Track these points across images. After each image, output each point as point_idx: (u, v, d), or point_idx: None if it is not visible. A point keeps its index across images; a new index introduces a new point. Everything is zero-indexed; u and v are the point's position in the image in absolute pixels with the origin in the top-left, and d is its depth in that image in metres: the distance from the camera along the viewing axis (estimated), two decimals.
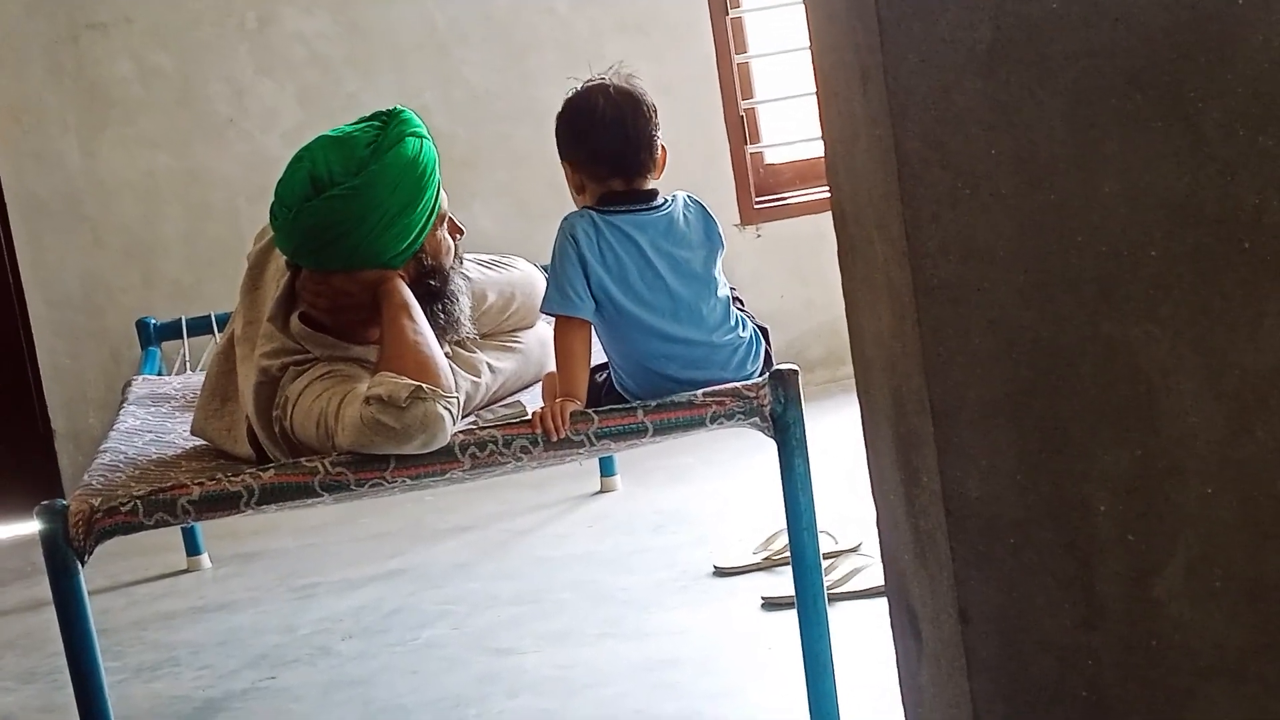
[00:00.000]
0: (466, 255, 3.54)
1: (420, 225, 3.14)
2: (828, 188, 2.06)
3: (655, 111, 3.13)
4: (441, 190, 3.21)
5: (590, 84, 3.15)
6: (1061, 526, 1.80)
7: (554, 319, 3.09)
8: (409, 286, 3.14)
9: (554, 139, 3.17)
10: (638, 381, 3.10)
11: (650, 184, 3.13)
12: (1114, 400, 1.79)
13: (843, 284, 2.05)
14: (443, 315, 3.21)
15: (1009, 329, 1.79)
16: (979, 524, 1.81)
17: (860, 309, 2.00)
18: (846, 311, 2.05)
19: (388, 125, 3.14)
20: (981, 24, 1.74)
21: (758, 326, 3.19)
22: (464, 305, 3.28)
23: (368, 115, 3.21)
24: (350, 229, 3.07)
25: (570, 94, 3.17)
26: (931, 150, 1.77)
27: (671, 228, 3.10)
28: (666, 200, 3.13)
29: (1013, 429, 1.80)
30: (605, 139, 3.09)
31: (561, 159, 3.16)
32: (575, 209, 3.14)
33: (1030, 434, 1.80)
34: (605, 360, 3.20)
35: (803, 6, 2.01)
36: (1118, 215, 1.76)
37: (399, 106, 3.21)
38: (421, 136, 3.16)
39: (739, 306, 3.20)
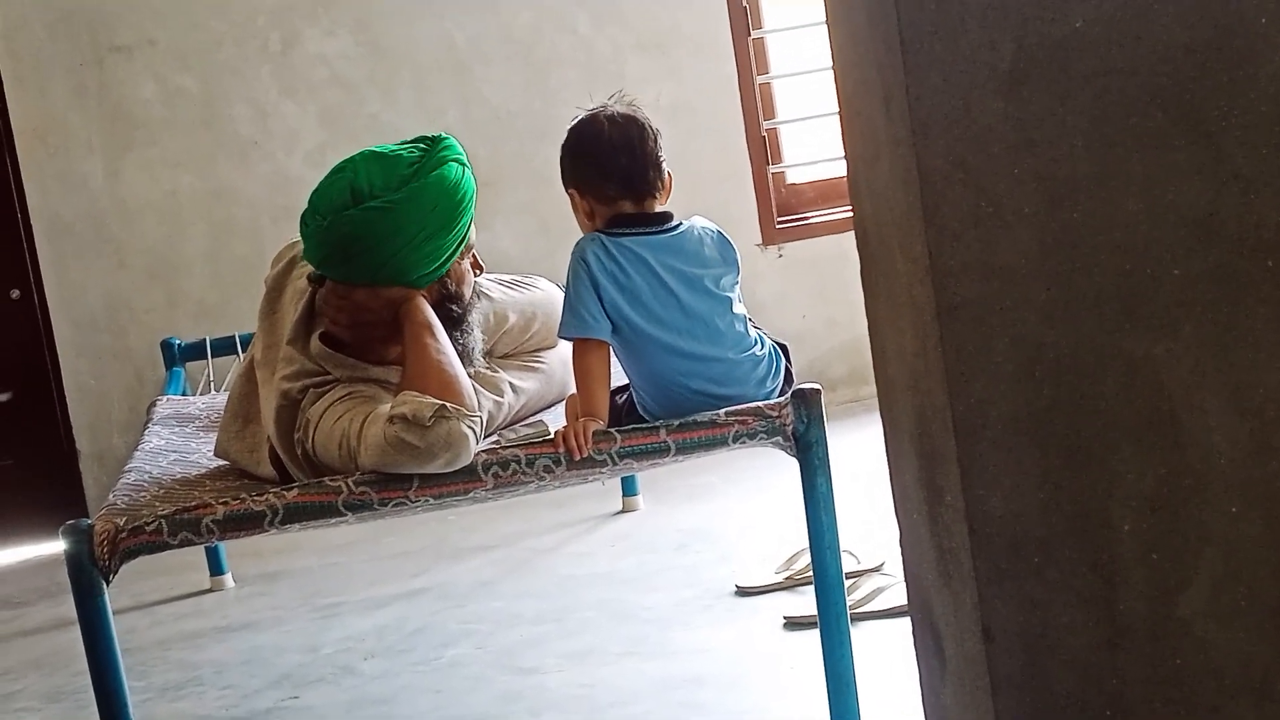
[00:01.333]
0: (486, 275, 3.55)
1: (450, 250, 3.17)
2: (850, 207, 2.06)
3: (659, 135, 3.15)
4: (473, 224, 3.24)
5: (591, 113, 3.16)
6: (1085, 544, 1.80)
7: (572, 343, 3.10)
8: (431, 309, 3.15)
9: (561, 168, 3.18)
10: (658, 401, 3.11)
11: (659, 207, 3.14)
12: (1137, 418, 1.78)
13: (865, 303, 2.05)
14: (459, 344, 3.22)
15: (1032, 347, 1.79)
16: (1002, 542, 1.81)
17: (883, 327, 2.00)
18: (869, 330, 2.05)
19: (432, 149, 3.17)
20: (1004, 43, 1.75)
21: (776, 343, 3.19)
22: (478, 338, 3.30)
23: (411, 138, 3.24)
24: (383, 243, 3.09)
25: (573, 122, 3.18)
26: (954, 169, 1.77)
27: (683, 247, 3.10)
28: (680, 223, 3.13)
29: (1036, 447, 1.80)
30: (612, 158, 3.10)
31: (567, 186, 3.16)
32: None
33: (1053, 452, 1.80)
34: (625, 382, 3.21)
35: (825, 27, 2.02)
36: (1140, 233, 1.76)
37: (443, 134, 3.24)
38: (464, 164, 3.20)
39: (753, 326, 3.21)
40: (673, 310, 3.08)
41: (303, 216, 3.18)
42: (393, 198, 3.09)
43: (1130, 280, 1.77)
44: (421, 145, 3.19)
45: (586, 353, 3.06)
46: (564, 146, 3.18)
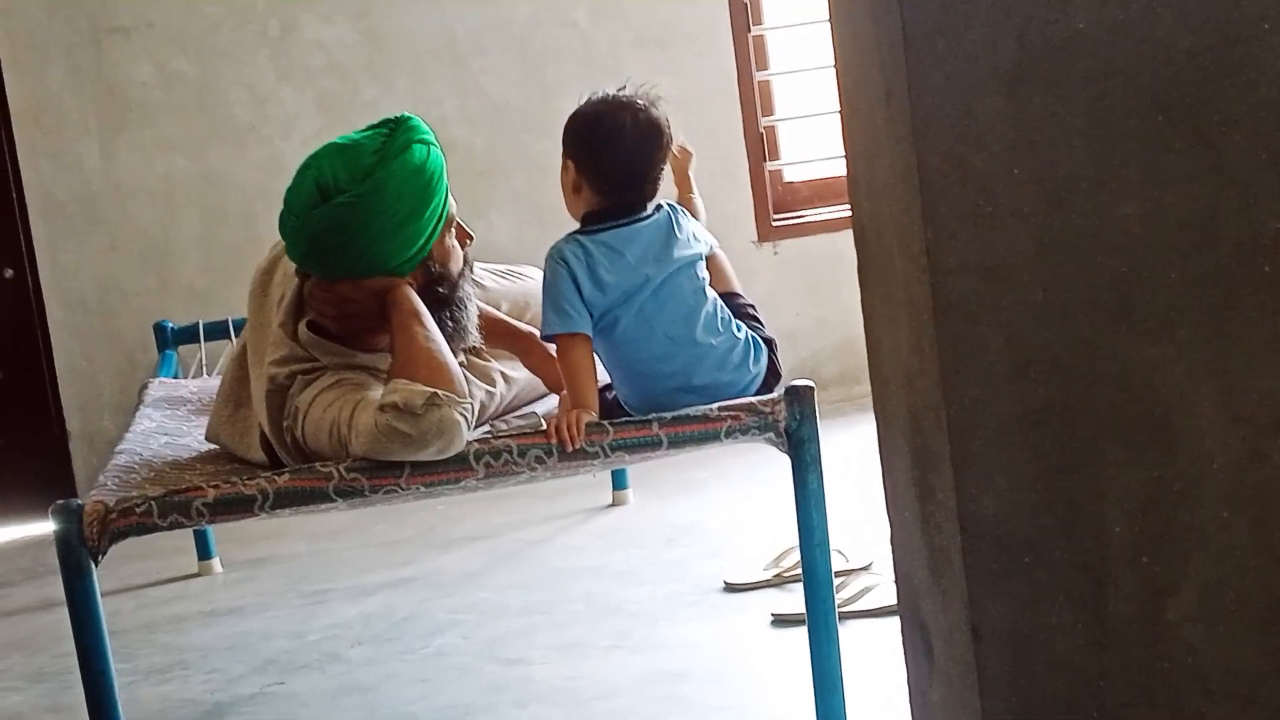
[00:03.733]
0: (480, 265, 3.54)
1: (427, 232, 3.14)
2: (848, 204, 2.06)
3: (672, 139, 3.15)
4: (450, 196, 3.21)
5: (618, 99, 3.14)
6: (1075, 546, 1.80)
7: (556, 341, 3.08)
8: (417, 294, 3.13)
9: (563, 137, 3.15)
10: (635, 392, 3.11)
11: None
12: (1130, 421, 1.79)
13: (862, 300, 2.05)
14: (450, 322, 3.20)
15: (1027, 348, 1.79)
16: (993, 542, 1.81)
17: (879, 325, 2.00)
18: (865, 328, 2.06)
19: (394, 132, 3.13)
20: (1005, 43, 1.75)
21: (764, 337, 3.19)
22: (472, 312, 3.27)
23: (376, 122, 3.20)
24: (356, 236, 3.07)
25: (595, 98, 3.16)
26: (953, 168, 1.77)
27: (655, 235, 3.10)
28: (650, 210, 3.13)
29: (1029, 448, 1.80)
30: (619, 162, 3.10)
31: (566, 156, 3.14)
32: (568, 209, 3.15)
33: (1046, 453, 1.80)
34: (608, 381, 3.21)
35: (826, 24, 2.02)
36: (1137, 236, 1.76)
37: (406, 113, 3.20)
38: (429, 143, 3.15)
39: (752, 317, 3.21)
40: (649, 300, 3.08)
41: (280, 216, 3.16)
42: (359, 190, 3.06)
43: (1126, 283, 1.77)
44: (384, 130, 3.14)
45: (571, 348, 3.05)
46: (579, 120, 3.14)
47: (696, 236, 3.17)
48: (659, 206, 3.14)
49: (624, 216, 3.10)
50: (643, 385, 3.11)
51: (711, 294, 3.15)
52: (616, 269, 3.06)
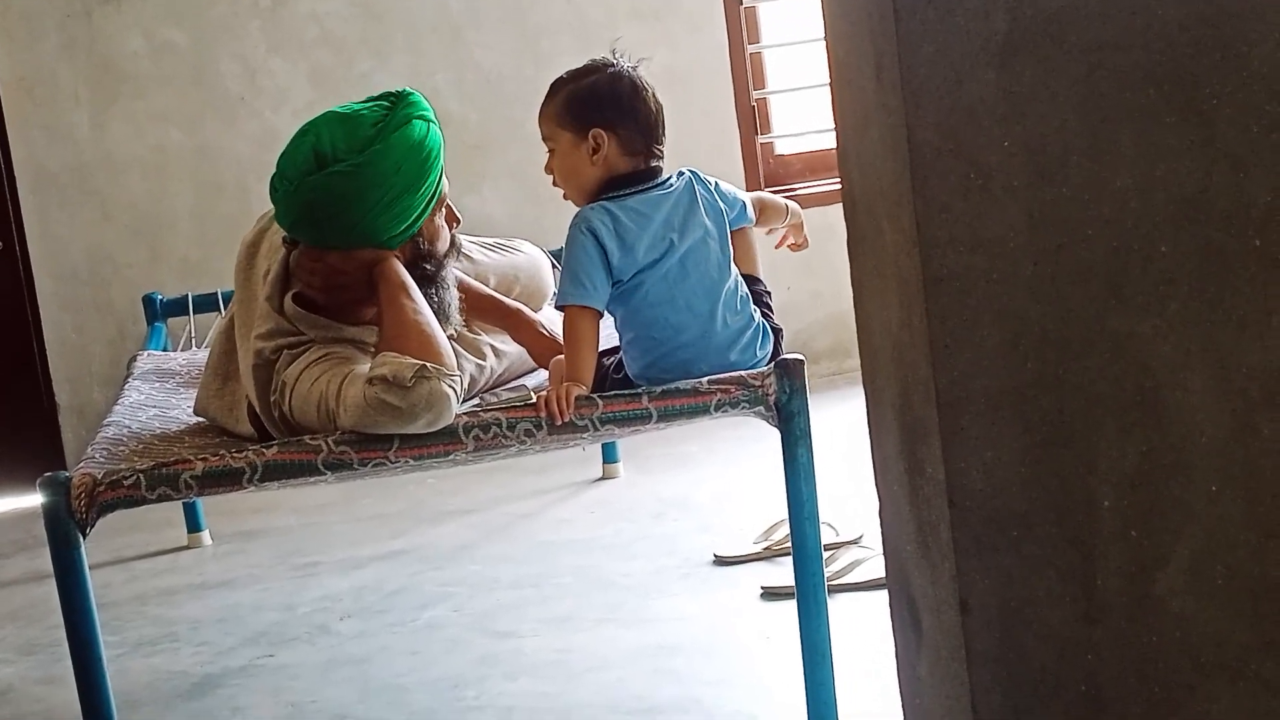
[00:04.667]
0: (469, 237, 3.53)
1: (420, 208, 3.13)
2: (838, 177, 2.05)
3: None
4: (444, 177, 3.20)
5: (613, 62, 3.14)
6: (1065, 520, 1.80)
7: (566, 311, 3.06)
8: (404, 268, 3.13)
9: (573, 109, 3.12)
10: (644, 357, 3.09)
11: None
12: (1120, 395, 1.78)
13: (851, 273, 2.04)
14: (435, 302, 3.19)
15: (1017, 321, 1.78)
16: (982, 515, 1.81)
17: (869, 298, 2.00)
18: (854, 301, 2.05)
19: (396, 106, 3.13)
20: (997, 14, 1.74)
21: (772, 326, 3.18)
22: (454, 295, 3.26)
23: (376, 95, 3.19)
24: (350, 206, 3.06)
25: (591, 66, 3.15)
26: (944, 140, 1.76)
27: (680, 202, 3.10)
28: (670, 178, 3.13)
29: (1018, 421, 1.80)
30: (649, 114, 3.12)
31: (591, 125, 3.09)
32: (576, 187, 3.14)
33: (1036, 427, 1.80)
34: (614, 345, 3.20)
35: None
36: (1129, 210, 1.75)
37: (408, 89, 3.20)
38: (429, 120, 3.14)
39: (766, 305, 3.21)
40: (674, 264, 3.07)
41: (271, 181, 3.14)
42: (356, 160, 3.05)
43: (1118, 256, 1.76)
44: (385, 103, 3.14)
45: (580, 320, 3.03)
46: (603, 88, 3.12)
47: (724, 197, 3.17)
48: (679, 173, 3.14)
49: (647, 181, 3.09)
50: (654, 352, 3.09)
51: (734, 270, 3.15)
52: (646, 233, 3.05)
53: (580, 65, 3.18)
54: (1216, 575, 1.78)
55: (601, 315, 3.05)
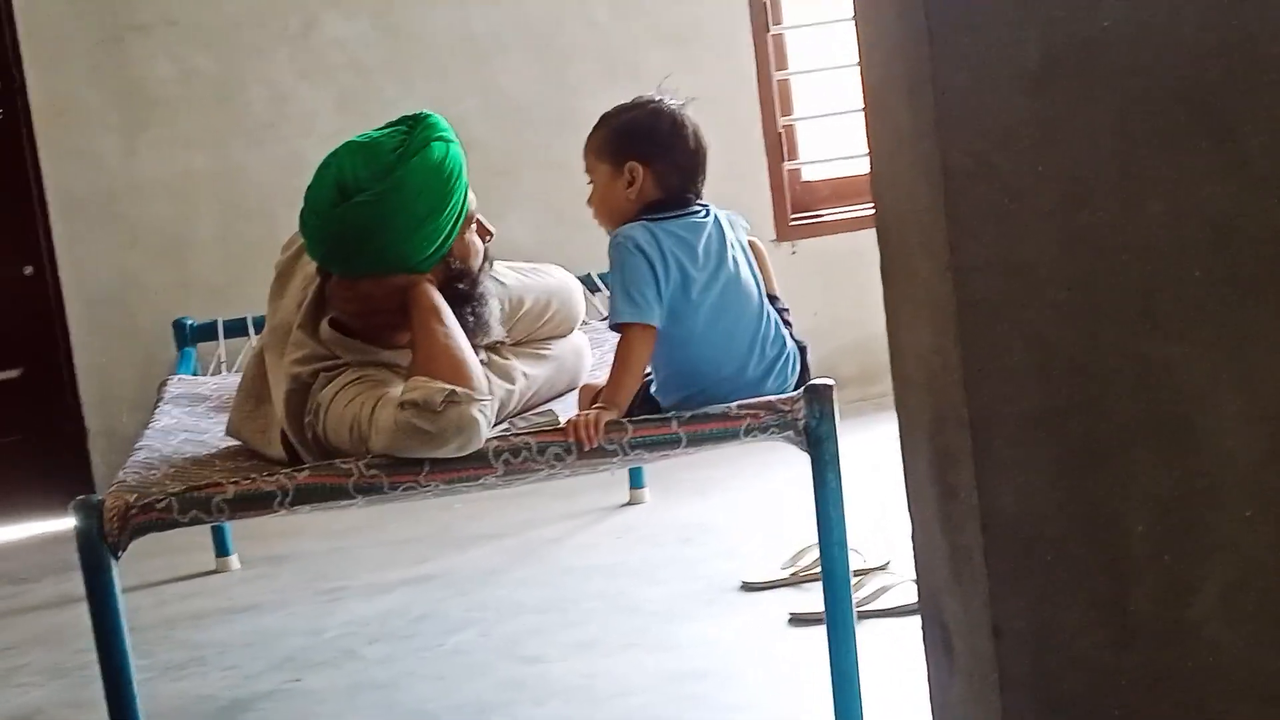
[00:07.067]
0: (502, 262, 3.54)
1: (448, 229, 3.14)
2: (871, 201, 2.06)
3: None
4: (470, 193, 3.21)
5: (658, 100, 3.17)
6: (1097, 545, 1.80)
7: (622, 329, 3.05)
8: (438, 290, 3.14)
9: (611, 143, 3.15)
10: (679, 388, 3.09)
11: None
12: (1152, 420, 1.78)
13: (884, 298, 2.04)
14: (472, 318, 3.20)
15: (1049, 346, 1.79)
16: (1015, 540, 1.81)
17: (901, 323, 2.00)
18: (887, 326, 2.05)
19: (414, 130, 3.14)
20: (1030, 40, 1.74)
21: (797, 342, 3.19)
22: (493, 308, 3.27)
23: (395, 120, 3.21)
24: (376, 235, 3.07)
25: (644, 101, 3.18)
26: (977, 165, 1.77)
27: (715, 233, 3.11)
28: (705, 208, 3.15)
29: (1051, 446, 1.80)
30: (688, 152, 3.14)
31: (628, 158, 3.11)
32: (611, 217, 3.14)
33: (1068, 452, 1.80)
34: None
35: (847, 24, 2.02)
36: (1161, 235, 1.76)
37: (425, 111, 3.21)
38: (448, 140, 3.15)
39: (787, 322, 3.21)
40: (716, 295, 3.07)
41: (300, 215, 3.17)
42: (379, 189, 3.07)
43: (1150, 282, 1.76)
44: (403, 128, 3.15)
45: (635, 340, 3.02)
46: (638, 122, 3.15)
47: (740, 242, 3.19)
48: (705, 208, 3.16)
49: (683, 208, 3.11)
50: (692, 385, 3.08)
51: (765, 300, 3.16)
52: (691, 260, 3.06)
53: (628, 101, 3.20)
54: (1249, 601, 1.78)
55: (656, 332, 3.04)
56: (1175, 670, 1.80)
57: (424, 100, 5.42)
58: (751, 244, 3.27)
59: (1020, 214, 1.77)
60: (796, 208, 5.73)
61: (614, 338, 3.11)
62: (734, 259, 3.12)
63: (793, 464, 3.08)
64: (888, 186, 1.96)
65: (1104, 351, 1.78)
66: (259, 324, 4.31)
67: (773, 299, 3.23)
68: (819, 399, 2.89)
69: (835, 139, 5.69)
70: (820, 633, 2.95)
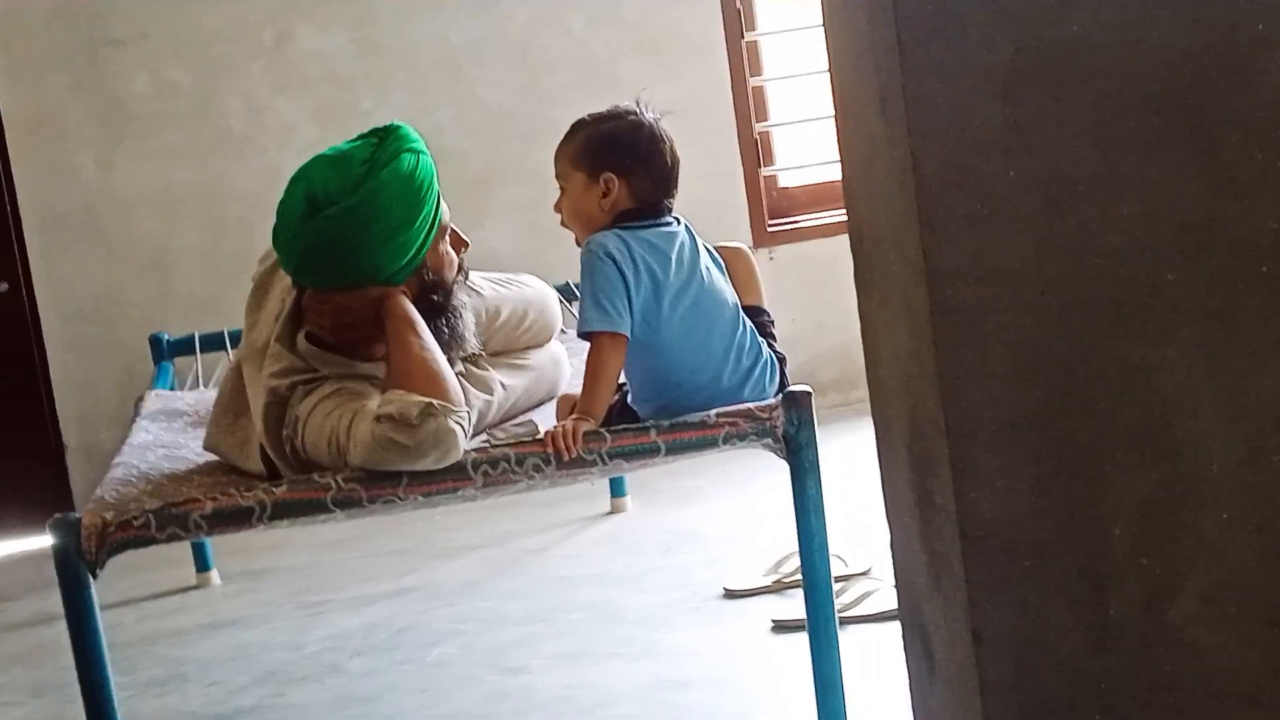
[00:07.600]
0: (478, 273, 3.53)
1: (420, 240, 3.13)
2: (845, 209, 2.06)
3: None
4: (443, 203, 3.20)
5: (635, 111, 3.16)
6: (1077, 549, 1.79)
7: (591, 338, 3.04)
8: (412, 303, 3.13)
9: (589, 152, 3.14)
10: (656, 399, 3.09)
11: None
12: (1131, 424, 1.78)
13: (859, 305, 2.04)
14: (447, 330, 3.19)
15: (1026, 351, 1.78)
16: (994, 546, 1.81)
17: (876, 330, 2.00)
18: (862, 333, 2.05)
19: (383, 141, 3.13)
20: (1001, 46, 1.74)
21: (776, 353, 3.19)
22: (468, 320, 3.27)
23: (365, 132, 3.20)
24: (348, 247, 3.06)
25: (622, 112, 3.17)
26: (950, 172, 1.76)
27: (686, 242, 3.12)
28: (676, 219, 3.14)
29: (1029, 451, 1.79)
30: (664, 167, 3.13)
31: (603, 170, 3.11)
32: (584, 226, 3.14)
33: (1046, 456, 1.79)
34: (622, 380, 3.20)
35: (821, 29, 2.01)
36: (1136, 238, 1.75)
37: (396, 122, 3.20)
38: (418, 151, 3.14)
39: (771, 335, 3.20)
40: (689, 305, 3.07)
41: (273, 229, 3.16)
42: (349, 201, 3.06)
43: (1126, 285, 1.76)
44: (373, 140, 3.15)
45: (605, 349, 3.01)
46: (616, 132, 3.14)
47: (710, 252, 3.19)
48: (676, 219, 3.15)
49: (657, 217, 3.10)
50: (667, 394, 3.08)
51: (739, 308, 3.15)
52: (659, 264, 3.05)
53: (604, 110, 3.19)
54: (1230, 603, 1.78)
55: (628, 341, 3.04)
56: (1156, 673, 1.80)
57: (401, 111, 5.42)
58: (742, 254, 3.27)
59: (995, 219, 1.77)
60: (774, 214, 5.73)
61: None
62: (706, 267, 3.12)
63: (774, 470, 3.07)
64: (861, 195, 1.96)
65: (1081, 356, 1.78)
66: (236, 338, 4.29)
67: (759, 310, 3.23)
68: (797, 406, 2.89)
69: (812, 144, 5.70)
70: (803, 639, 2.95)
